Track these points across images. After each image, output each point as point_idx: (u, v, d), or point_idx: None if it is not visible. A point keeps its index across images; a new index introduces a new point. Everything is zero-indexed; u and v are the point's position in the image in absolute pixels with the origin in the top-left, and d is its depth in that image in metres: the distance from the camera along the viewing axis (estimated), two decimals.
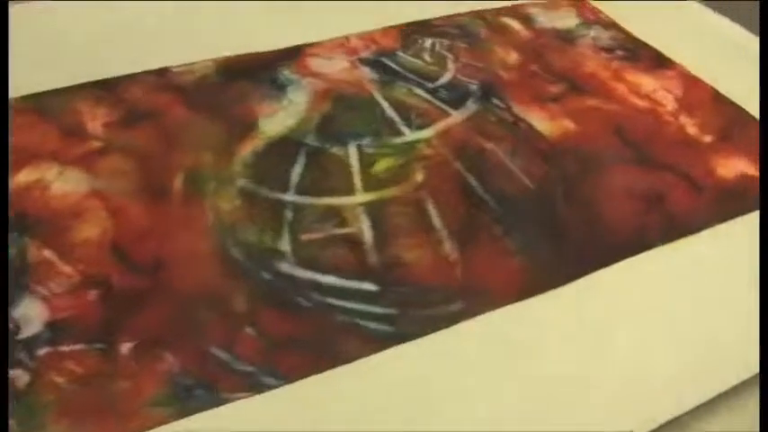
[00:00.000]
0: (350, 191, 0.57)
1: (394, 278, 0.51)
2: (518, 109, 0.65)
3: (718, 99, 0.69)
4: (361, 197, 0.56)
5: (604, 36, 0.76)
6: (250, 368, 0.46)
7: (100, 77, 0.65)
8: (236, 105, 0.63)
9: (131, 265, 0.51)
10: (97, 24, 0.71)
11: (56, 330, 0.47)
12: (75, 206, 0.55)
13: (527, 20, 0.77)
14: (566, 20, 0.78)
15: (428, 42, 0.72)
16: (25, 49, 0.67)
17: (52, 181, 0.56)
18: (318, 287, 0.50)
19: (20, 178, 0.56)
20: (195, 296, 0.49)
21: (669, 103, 0.68)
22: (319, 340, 0.48)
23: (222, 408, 0.44)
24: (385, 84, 0.67)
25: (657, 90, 0.70)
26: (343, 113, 0.63)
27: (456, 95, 0.66)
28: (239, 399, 0.44)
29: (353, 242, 0.53)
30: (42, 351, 0.45)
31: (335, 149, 0.60)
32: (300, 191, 0.56)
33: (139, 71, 0.66)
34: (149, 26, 0.71)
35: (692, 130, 0.66)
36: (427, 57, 0.70)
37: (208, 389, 0.44)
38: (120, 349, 0.46)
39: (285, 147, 0.60)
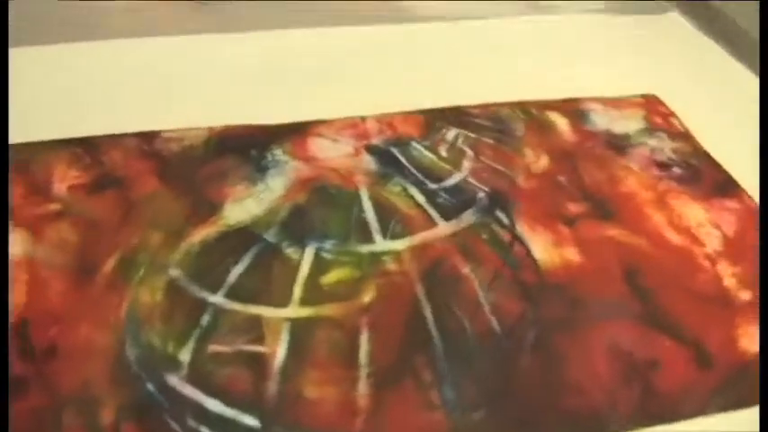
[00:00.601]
0: (284, 302, 0.54)
1: (283, 417, 0.47)
2: (522, 227, 0.60)
3: None
4: (293, 311, 0.53)
5: (666, 147, 0.69)
6: None
7: (89, 134, 0.65)
8: (210, 184, 0.62)
9: (26, 348, 0.50)
10: (100, 76, 0.71)
11: None
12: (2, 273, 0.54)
13: (579, 118, 0.70)
14: (627, 122, 0.71)
15: (452, 134, 0.68)
16: (18, 97, 0.68)
17: None
18: (197, 412, 0.47)
19: None
20: (70, 396, 0.47)
21: (712, 243, 0.60)
22: None
23: None
24: (381, 178, 0.63)
25: (704, 224, 0.62)
26: (315, 208, 0.60)
27: (456, 202, 0.61)
28: None
29: (259, 364, 0.50)
30: None
31: (291, 250, 0.57)
32: (231, 294, 0.54)
33: (130, 132, 0.65)
34: (160, 84, 0.71)
35: (728, 281, 0.58)
36: (443, 151, 0.66)
37: None
38: None
39: (238, 239, 0.57)
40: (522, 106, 0.71)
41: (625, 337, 0.53)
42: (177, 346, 0.51)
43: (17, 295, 0.53)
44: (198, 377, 0.49)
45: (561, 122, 0.70)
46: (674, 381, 0.51)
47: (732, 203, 0.64)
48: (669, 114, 0.73)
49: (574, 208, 0.62)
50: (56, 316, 0.52)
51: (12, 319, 0.52)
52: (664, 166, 0.67)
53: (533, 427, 0.48)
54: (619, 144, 0.69)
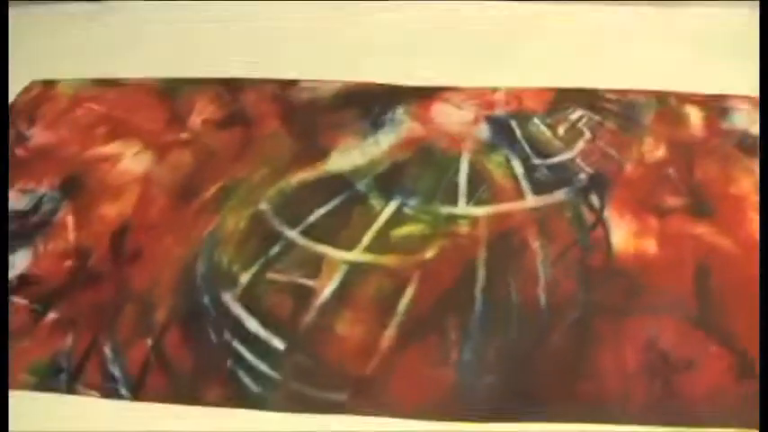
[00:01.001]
0: (351, 246, 0.59)
1: (306, 344, 0.53)
2: (610, 212, 0.61)
3: None
4: (355, 255, 0.58)
5: None
6: (118, 374, 0.52)
7: (240, 76, 0.74)
8: (325, 132, 0.68)
9: (116, 249, 0.60)
10: (268, 29, 0.79)
11: (21, 283, 0.57)
12: (122, 186, 0.65)
13: (719, 114, 0.69)
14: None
15: (576, 114, 0.69)
16: (190, 38, 0.77)
17: (126, 157, 0.67)
18: (235, 327, 0.54)
19: (104, 149, 0.67)
20: (135, 294, 0.56)
21: None
22: (194, 375, 0.52)
23: (70, 397, 0.51)
24: (488, 147, 0.66)
25: None
26: (413, 166, 0.64)
27: (553, 179, 0.63)
28: (89, 395, 0.51)
29: (306, 296, 0.56)
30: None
31: (375, 201, 0.62)
32: (306, 231, 0.60)
33: (274, 78, 0.73)
34: (314, 41, 0.78)
35: None
36: (562, 129, 0.68)
37: (71, 377, 0.52)
38: (47, 316, 0.55)
39: (332, 185, 0.63)
40: (661, 96, 0.70)
41: (669, 333, 0.53)
42: (241, 268, 0.58)
43: (126, 205, 0.62)
44: (248, 298, 0.56)
45: (696, 116, 0.69)
46: (704, 385, 0.50)
47: None
48: None
49: (672, 201, 0.61)
50: (150, 226, 0.61)
51: (114, 224, 0.61)
52: None
53: (537, 401, 0.50)
54: (752, 145, 0.66)
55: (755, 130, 0.68)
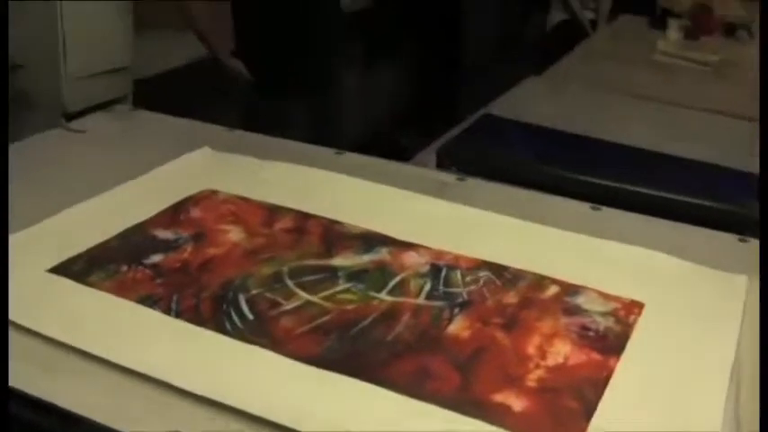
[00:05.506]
0: (314, 294, 1.31)
1: (262, 322, 1.25)
2: (460, 317, 1.28)
3: None
4: (312, 298, 1.30)
5: (604, 324, 1.24)
6: (174, 308, 1.27)
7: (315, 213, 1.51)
8: (339, 248, 1.42)
9: (202, 266, 1.36)
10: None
11: (153, 266, 1.36)
12: (222, 243, 1.41)
13: (569, 293, 1.31)
14: (597, 306, 1.28)
15: (483, 273, 1.38)
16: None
17: (231, 232, 1.45)
18: (236, 306, 1.28)
19: (223, 226, 1.46)
20: (201, 282, 1.32)
21: (548, 362, 1.20)
22: (209, 319, 1.26)
23: (148, 311, 1.27)
24: (420, 276, 1.34)
25: (559, 354, 1.21)
26: (373, 271, 1.35)
27: (442, 296, 1.31)
28: (157, 311, 1.26)
29: (276, 306, 1.29)
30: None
31: (342, 282, 1.32)
32: (297, 284, 1.33)
33: (325, 216, 1.50)
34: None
35: (532, 375, 1.18)
36: (468, 279, 1.37)
37: (152, 303, 1.28)
38: (156, 280, 1.32)
39: (326, 270, 1.35)
40: (540, 277, 1.37)
41: (437, 365, 1.18)
42: (254, 287, 1.31)
43: (218, 251, 1.38)
44: (249, 299, 1.29)
45: (553, 290, 1.33)
46: (438, 388, 1.14)
47: (597, 356, 1.22)
48: (635, 314, 1.29)
49: (496, 321, 1.28)
50: (225, 263, 1.36)
51: (208, 256, 1.38)
52: (585, 328, 1.26)
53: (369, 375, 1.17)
54: (572, 310, 1.30)
55: (585, 305, 1.31)
